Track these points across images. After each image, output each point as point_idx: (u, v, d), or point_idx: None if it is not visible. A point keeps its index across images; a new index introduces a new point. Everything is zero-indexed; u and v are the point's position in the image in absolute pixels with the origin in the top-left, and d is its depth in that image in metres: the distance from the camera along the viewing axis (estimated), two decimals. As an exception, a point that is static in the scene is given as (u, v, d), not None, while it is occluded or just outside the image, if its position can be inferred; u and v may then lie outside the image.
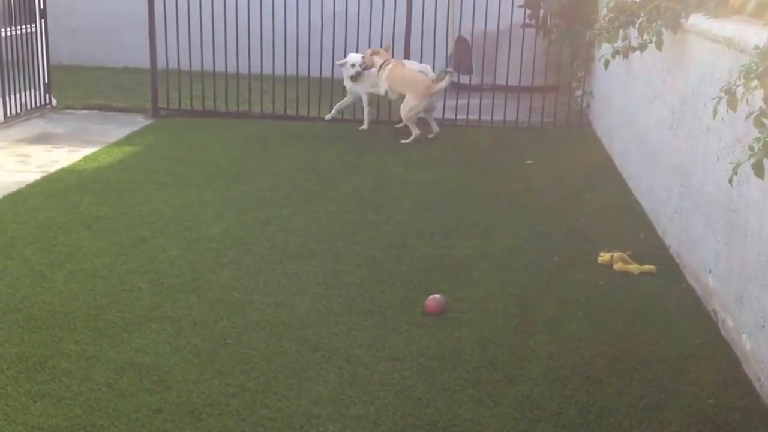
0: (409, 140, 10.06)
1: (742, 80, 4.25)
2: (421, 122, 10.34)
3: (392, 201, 7.77)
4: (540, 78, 11.23)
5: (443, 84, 10.30)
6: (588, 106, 11.25)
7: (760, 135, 3.96)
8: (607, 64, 7.88)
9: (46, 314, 5.22)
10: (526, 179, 8.66)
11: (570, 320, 5.34)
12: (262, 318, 5.27)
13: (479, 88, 11.81)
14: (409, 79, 10.26)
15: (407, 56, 11.03)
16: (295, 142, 9.92)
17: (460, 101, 11.34)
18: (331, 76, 11.04)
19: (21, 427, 4.04)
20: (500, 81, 11.67)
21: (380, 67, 10.41)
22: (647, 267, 6.15)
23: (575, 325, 5.27)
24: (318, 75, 11.12)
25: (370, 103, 10.76)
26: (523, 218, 7.37)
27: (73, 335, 4.96)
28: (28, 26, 10.94)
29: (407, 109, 10.15)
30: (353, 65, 10.59)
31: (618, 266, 6.16)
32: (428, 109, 10.37)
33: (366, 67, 10.56)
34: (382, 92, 10.52)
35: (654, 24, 6.69)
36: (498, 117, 11.11)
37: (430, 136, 10.33)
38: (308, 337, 5.04)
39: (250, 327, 5.14)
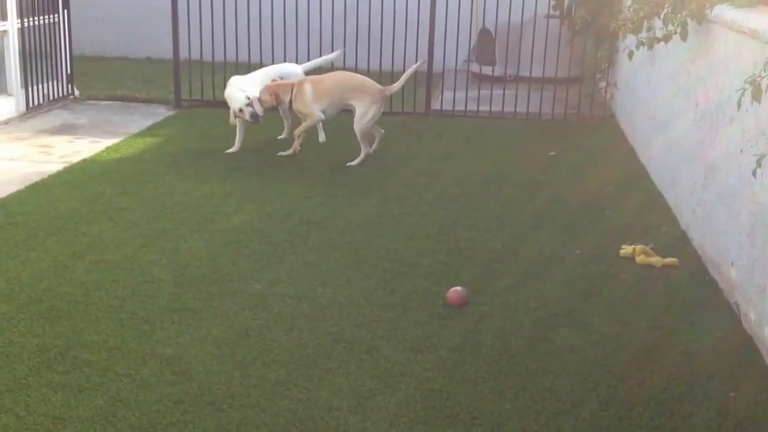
0: (357, 161, 8.74)
1: (767, 71, 4.22)
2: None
3: (415, 193, 7.76)
4: (564, 69, 11.18)
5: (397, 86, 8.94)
6: (612, 97, 11.19)
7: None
8: (631, 55, 7.85)
9: (67, 305, 5.24)
10: (548, 171, 8.62)
11: (591, 313, 5.32)
12: (283, 310, 5.27)
13: (502, 80, 11.76)
14: (358, 83, 8.90)
15: (431, 48, 10.97)
16: (319, 133, 9.88)
17: (482, 92, 11.31)
18: (354, 65, 11.02)
19: (42, 418, 4.06)
20: (523, 72, 11.63)
21: (290, 102, 8.88)
22: (670, 260, 6.11)
23: (597, 318, 5.25)
24: (341, 65, 11.11)
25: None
26: (545, 210, 7.34)
27: (94, 326, 4.98)
28: (51, 16, 10.99)
29: (366, 120, 8.71)
30: (241, 110, 8.94)
31: (640, 259, 6.13)
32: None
33: (266, 107, 8.97)
34: (318, 117, 8.87)
35: (679, 14, 6.65)
36: (521, 109, 11.05)
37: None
38: (329, 328, 5.04)
39: (271, 318, 5.15)
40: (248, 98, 8.86)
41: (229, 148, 9.10)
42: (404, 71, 9.04)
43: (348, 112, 8.89)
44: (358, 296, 5.50)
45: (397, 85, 8.85)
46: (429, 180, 8.21)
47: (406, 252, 6.30)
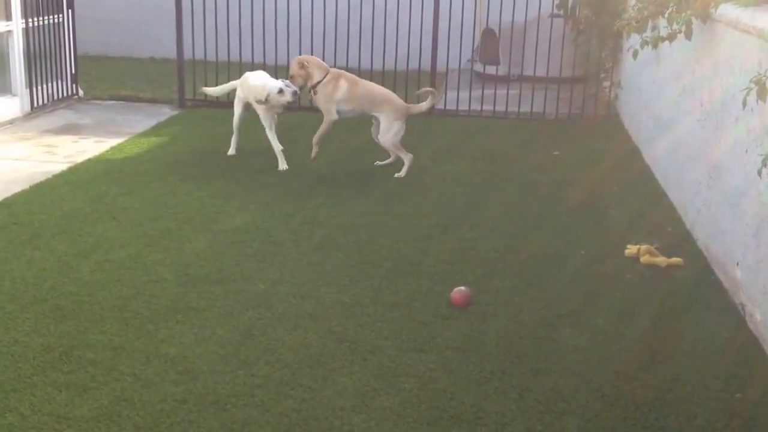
0: (404, 171, 8.41)
1: (773, 71, 4.21)
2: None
3: (418, 193, 7.76)
4: (568, 69, 11.16)
5: (425, 106, 8.61)
6: (616, 97, 11.18)
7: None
8: (635, 54, 7.84)
9: (72, 305, 5.24)
10: (552, 170, 8.61)
11: (596, 314, 5.31)
12: (287, 309, 5.27)
13: (506, 79, 11.75)
14: (386, 97, 8.59)
15: (435, 47, 10.97)
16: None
17: (486, 92, 11.30)
18: (357, 65, 11.01)
19: (46, 417, 4.05)
20: (527, 72, 11.61)
21: (316, 84, 8.53)
22: (675, 260, 6.10)
23: (601, 318, 5.24)
24: (344, 64, 11.10)
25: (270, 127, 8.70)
26: (549, 210, 7.34)
27: (99, 326, 4.98)
28: (56, 16, 10.99)
29: (392, 134, 8.44)
30: (281, 90, 8.40)
31: (645, 259, 6.11)
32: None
33: (300, 86, 8.56)
34: (333, 118, 8.57)
35: (683, 13, 6.64)
36: (525, 108, 11.04)
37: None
38: (333, 328, 5.03)
39: (275, 318, 5.14)
40: (283, 80, 8.57)
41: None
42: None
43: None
44: (361, 296, 5.50)
45: (424, 105, 8.58)
46: (432, 179, 8.21)
47: (409, 251, 6.29)
